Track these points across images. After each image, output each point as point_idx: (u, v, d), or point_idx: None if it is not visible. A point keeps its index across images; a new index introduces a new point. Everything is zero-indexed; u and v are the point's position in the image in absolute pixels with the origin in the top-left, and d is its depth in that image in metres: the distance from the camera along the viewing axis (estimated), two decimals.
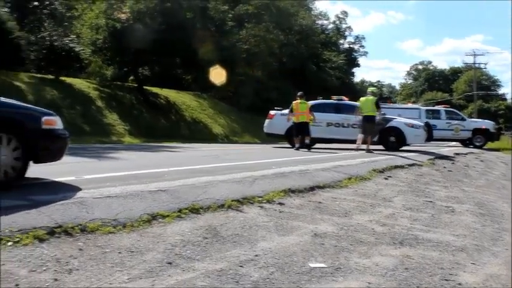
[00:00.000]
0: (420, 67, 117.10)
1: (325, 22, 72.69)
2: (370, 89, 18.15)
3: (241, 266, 4.18)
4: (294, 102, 17.39)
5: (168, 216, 5.32)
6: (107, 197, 5.58)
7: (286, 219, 5.91)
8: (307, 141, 17.21)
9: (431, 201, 8.30)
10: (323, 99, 20.69)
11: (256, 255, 4.48)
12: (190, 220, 5.37)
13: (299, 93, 17.53)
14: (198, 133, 29.98)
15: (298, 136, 17.19)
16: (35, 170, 6.24)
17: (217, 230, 5.11)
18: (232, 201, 6.24)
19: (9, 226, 4.36)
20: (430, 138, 22.59)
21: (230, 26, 32.94)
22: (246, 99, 39.56)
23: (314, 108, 18.19)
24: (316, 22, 66.83)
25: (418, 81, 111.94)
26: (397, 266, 4.62)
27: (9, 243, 4.09)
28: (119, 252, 4.19)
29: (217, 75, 31.68)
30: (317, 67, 54.79)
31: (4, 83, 24.89)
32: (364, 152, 16.06)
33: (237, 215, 5.81)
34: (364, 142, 16.68)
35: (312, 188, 7.92)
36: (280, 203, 6.65)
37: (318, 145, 18.89)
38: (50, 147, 6.20)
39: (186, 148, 16.55)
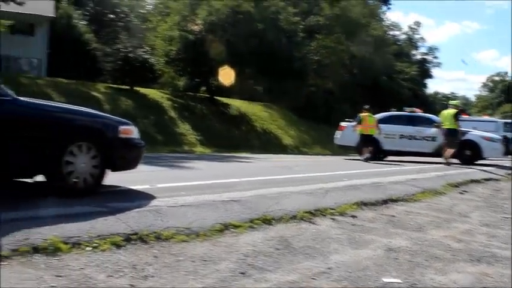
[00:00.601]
0: (497, 78, 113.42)
1: (397, 33, 71.73)
2: (452, 102, 17.67)
3: (313, 279, 4.14)
4: (361, 114, 17.47)
5: (240, 226, 5.35)
6: (181, 206, 5.67)
7: (359, 232, 5.83)
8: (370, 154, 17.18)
9: (509, 218, 7.99)
10: (396, 110, 20.36)
11: (329, 268, 4.43)
12: (262, 231, 5.38)
13: (366, 107, 17.56)
14: (268, 144, 30.05)
15: (366, 147, 17.16)
16: (111, 178, 6.40)
17: (289, 242, 5.09)
18: (305, 212, 6.21)
19: (88, 232, 4.50)
20: (508, 152, 21.76)
21: (301, 37, 32.94)
22: (317, 111, 39.42)
23: (387, 120, 18.08)
24: (388, 33, 65.95)
25: (494, 92, 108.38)
26: (474, 284, 4.46)
27: (88, 249, 4.21)
28: (193, 261, 4.23)
29: (287, 86, 31.78)
30: (389, 78, 54.02)
31: (82, 93, 25.81)
32: (442, 165, 15.66)
33: (309, 226, 5.78)
34: (443, 155, 16.28)
35: (384, 201, 7.79)
36: (353, 216, 6.57)
37: (389, 157, 18.59)
38: (126, 156, 6.37)
39: (257, 159, 16.62)
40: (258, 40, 28.72)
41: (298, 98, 35.69)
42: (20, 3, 25.45)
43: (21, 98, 5.62)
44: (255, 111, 35.48)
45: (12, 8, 25.59)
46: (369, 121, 17.23)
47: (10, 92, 5.47)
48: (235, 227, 5.31)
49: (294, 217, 6.02)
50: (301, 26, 33.86)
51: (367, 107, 17.52)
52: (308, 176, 10.06)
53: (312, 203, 6.74)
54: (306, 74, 32.67)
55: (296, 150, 29.59)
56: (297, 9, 33.80)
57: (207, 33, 28.64)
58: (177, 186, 7.42)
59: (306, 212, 6.24)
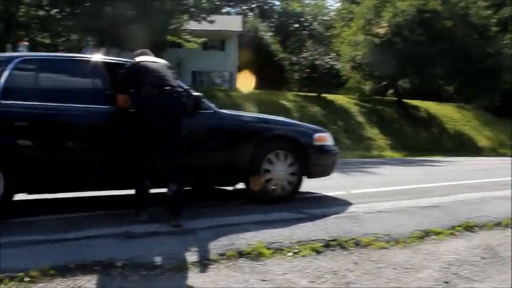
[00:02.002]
0: None
1: None
2: None
3: None
4: None
5: (441, 233, 5.13)
6: (378, 212, 5.61)
7: None
8: None
9: None
10: None
11: None
12: (464, 238, 5.11)
13: None
14: (461, 146, 28.61)
15: None
16: (306, 185, 6.50)
17: (496, 250, 4.77)
18: (511, 219, 5.79)
19: (289, 237, 4.62)
20: None
21: (494, 31, 30.97)
22: None
23: None
24: None
25: None
26: None
27: (289, 254, 4.32)
28: (394, 268, 4.14)
29: (480, 84, 30.09)
30: None
31: (272, 103, 26.68)
32: None
33: None
34: None
35: None
36: None
37: None
38: (321, 163, 6.42)
39: (450, 162, 15.90)
40: (447, 38, 27.56)
41: (493, 97, 33.52)
42: (211, 22, 27.05)
43: (222, 111, 5.95)
44: (446, 112, 34.03)
45: (204, 26, 27.28)
46: None
47: (212, 105, 5.82)
48: (436, 233, 5.10)
49: (498, 224, 5.64)
50: (493, 20, 31.82)
51: None
52: (508, 180, 9.38)
53: None
54: (500, 70, 30.59)
55: (493, 152, 27.79)
56: (487, 2, 31.83)
57: (393, 36, 28.10)
58: (371, 191, 7.35)
59: None
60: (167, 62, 5.28)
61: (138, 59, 5.18)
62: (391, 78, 31.02)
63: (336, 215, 5.40)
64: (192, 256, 4.09)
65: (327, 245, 4.56)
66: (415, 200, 6.36)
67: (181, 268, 3.86)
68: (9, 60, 5.12)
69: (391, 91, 34.49)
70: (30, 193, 5.26)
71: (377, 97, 33.22)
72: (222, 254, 4.17)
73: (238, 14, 44.51)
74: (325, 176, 6.68)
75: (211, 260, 4.07)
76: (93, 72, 5.38)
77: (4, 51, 21.21)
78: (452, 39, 27.82)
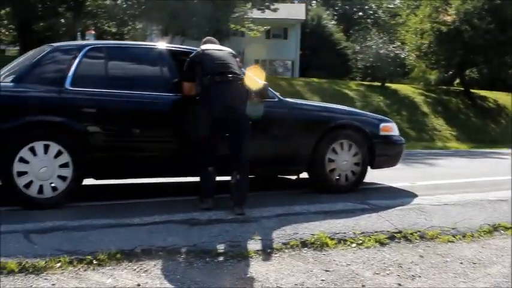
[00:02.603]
0: None
1: None
2: None
3: None
4: None
5: (510, 228, 4.97)
6: (445, 205, 5.49)
7: None
8: None
9: None
10: None
11: None
12: None
13: None
14: None
15: None
16: (370, 175, 6.42)
17: None
18: None
19: (353, 228, 4.57)
20: None
21: None
22: None
23: None
24: None
25: None
26: None
27: (353, 245, 4.27)
28: (461, 263, 4.04)
29: None
30: None
31: (335, 91, 26.49)
32: None
33: None
34: None
35: None
36: None
37: None
38: (387, 153, 6.34)
39: None
40: None
41: None
42: (274, 10, 27.02)
43: (286, 99, 5.93)
44: None
45: (267, 14, 27.28)
46: None
47: (276, 93, 5.81)
48: (506, 228, 4.95)
49: None
50: None
51: None
52: None
53: None
54: None
55: None
56: None
57: (461, 24, 27.32)
58: (437, 183, 7.19)
59: None
60: (232, 50, 5.29)
61: (203, 47, 5.22)
62: (458, 68, 30.26)
63: (401, 207, 5.31)
64: (255, 244, 4.11)
65: (392, 237, 4.49)
66: (483, 193, 6.18)
67: (245, 256, 3.88)
68: (79, 48, 5.25)
69: (457, 81, 33.64)
70: (97, 179, 5.39)
71: (443, 87, 32.50)
72: (285, 243, 4.17)
73: (301, 2, 44.20)
74: (390, 166, 6.58)
75: (275, 248, 4.08)
76: (160, 60, 5.45)
77: (74, 39, 21.89)
78: None
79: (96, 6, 28.42)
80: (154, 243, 3.96)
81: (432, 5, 29.53)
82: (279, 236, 4.31)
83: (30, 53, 5.69)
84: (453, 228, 4.80)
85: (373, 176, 6.61)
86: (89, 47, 5.35)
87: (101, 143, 5.00)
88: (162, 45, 5.86)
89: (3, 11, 26.91)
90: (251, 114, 4.89)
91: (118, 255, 3.69)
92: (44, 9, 24.44)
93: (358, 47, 33.01)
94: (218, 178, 5.10)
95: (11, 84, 4.89)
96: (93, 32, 20.54)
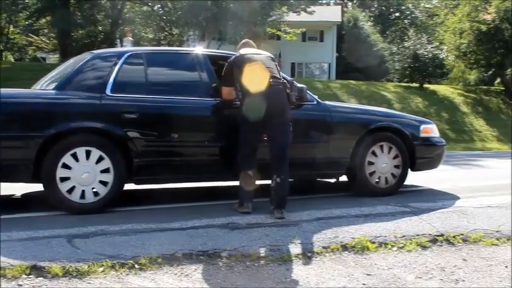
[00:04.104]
0: None
1: None
2: None
3: None
4: None
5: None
6: (487, 207, 5.40)
7: None
8: None
9: None
10: None
11: None
12: None
13: None
14: None
15: None
16: (410, 178, 6.35)
17: None
18: None
19: (394, 232, 4.53)
20: None
21: None
22: None
23: None
24: None
25: None
26: None
27: (394, 249, 4.23)
28: (505, 266, 3.95)
29: None
30: None
31: (372, 93, 26.30)
32: None
33: None
34: None
35: None
36: None
37: None
38: (427, 156, 6.27)
39: None
40: None
41: None
42: (310, 13, 26.99)
43: (325, 102, 5.92)
44: None
45: (303, 17, 27.26)
46: None
47: (315, 96, 5.80)
48: None
49: None
50: None
51: None
52: None
53: None
54: None
55: None
56: None
57: (501, 22, 26.83)
58: (479, 185, 7.09)
59: None
60: (270, 54, 5.30)
61: (242, 51, 5.23)
62: (498, 67, 29.70)
63: (442, 210, 5.25)
64: (295, 248, 4.10)
65: (434, 240, 4.43)
66: None
67: (285, 260, 3.87)
68: (119, 55, 5.32)
69: (498, 80, 33.01)
70: (138, 184, 5.45)
71: (483, 87, 31.96)
72: (325, 247, 4.15)
73: (337, 4, 44.04)
74: (431, 169, 6.51)
75: (315, 252, 4.06)
76: (198, 65, 5.49)
77: (112, 46, 22.21)
78: None
79: (133, 13, 28.85)
80: (194, 247, 3.98)
81: (471, 3, 29.08)
82: (319, 239, 4.29)
83: (71, 60, 5.80)
84: (497, 231, 4.70)
85: (413, 178, 6.53)
86: (129, 53, 5.41)
87: (141, 149, 5.05)
88: (199, 50, 5.91)
89: (43, 20, 27.52)
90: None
91: (159, 260, 3.71)
92: (83, 17, 24.90)
93: (395, 48, 32.71)
94: (258, 182, 5.11)
95: (53, 91, 4.99)
96: (130, 39, 20.82)
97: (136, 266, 3.62)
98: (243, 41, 5.56)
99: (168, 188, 6.13)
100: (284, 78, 5.14)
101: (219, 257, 3.87)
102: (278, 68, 5.14)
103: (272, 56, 5.26)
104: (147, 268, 3.61)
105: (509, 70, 30.49)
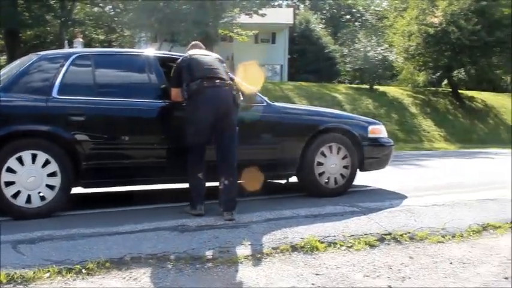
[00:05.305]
0: None
1: None
2: None
3: None
4: None
5: (499, 227, 5.00)
6: (433, 206, 5.52)
7: None
8: None
9: None
10: None
11: None
12: None
13: None
14: None
15: None
16: (358, 178, 6.44)
17: None
18: None
19: (342, 231, 4.58)
20: None
21: None
22: None
23: None
24: None
25: None
26: None
27: (343, 248, 4.28)
28: (450, 263, 4.04)
29: None
30: None
31: (323, 95, 26.53)
32: None
33: None
34: None
35: None
36: None
37: None
38: (376, 156, 6.36)
39: (508, 154, 15.44)
40: (505, 27, 26.75)
41: None
42: (262, 15, 27.05)
43: (274, 103, 5.95)
44: (503, 103, 33.05)
45: (255, 19, 27.30)
46: None
47: (264, 98, 5.82)
48: (495, 227, 4.97)
49: None
50: None
51: None
52: None
53: None
54: None
55: None
56: None
57: (448, 25, 27.44)
58: (426, 185, 7.24)
59: None
60: (218, 55, 5.30)
61: (190, 52, 5.22)
62: (445, 69, 30.37)
63: (390, 209, 5.35)
64: (245, 249, 4.10)
65: (382, 239, 4.50)
66: (472, 194, 6.23)
67: (235, 261, 3.87)
68: (66, 56, 5.23)
69: (445, 82, 33.76)
70: (86, 187, 5.37)
71: (431, 88, 32.59)
72: (275, 248, 4.17)
73: (289, 6, 44.30)
74: (379, 169, 6.61)
75: (265, 253, 4.07)
76: (147, 67, 5.45)
77: (61, 47, 21.79)
78: (510, 28, 26.99)
79: (84, 14, 28.37)
80: (143, 250, 3.94)
81: (419, 7, 29.65)
82: (268, 240, 4.30)
83: (17, 62, 5.67)
84: (442, 229, 4.81)
85: (362, 178, 6.62)
86: (76, 55, 5.33)
87: (89, 152, 4.98)
88: (149, 51, 5.86)
89: None
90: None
91: (107, 264, 3.67)
92: (31, 18, 24.33)
93: (346, 50, 33.09)
94: (208, 184, 5.10)
95: None
96: (81, 40, 20.45)
97: (84, 271, 3.56)
98: (192, 42, 5.55)
99: (118, 191, 6.05)
100: (232, 79, 5.15)
101: (168, 260, 3.85)
102: (226, 69, 5.14)
103: (220, 58, 5.26)
104: (95, 273, 3.56)
105: (456, 72, 31.23)
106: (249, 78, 5.15)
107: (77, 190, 5.30)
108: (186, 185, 5.15)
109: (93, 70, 5.21)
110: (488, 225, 5.03)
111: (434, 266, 3.98)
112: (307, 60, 37.10)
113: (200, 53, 5.20)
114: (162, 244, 4.10)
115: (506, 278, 3.77)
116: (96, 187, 5.62)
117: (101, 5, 28.27)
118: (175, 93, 5.14)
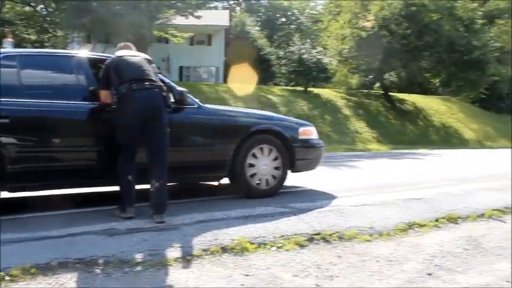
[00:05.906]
0: None
1: None
2: None
3: (508, 281, 3.87)
4: None
5: (425, 225, 5.16)
6: (363, 205, 5.64)
7: None
8: None
9: None
10: None
11: None
12: (448, 230, 5.14)
13: None
14: (448, 139, 28.77)
15: None
16: (290, 179, 6.52)
17: (479, 241, 4.80)
18: (493, 210, 5.84)
19: (273, 232, 4.62)
20: None
21: (480, 24, 31.07)
22: (501, 101, 37.03)
23: None
24: None
25: None
26: None
27: (273, 248, 4.32)
28: (377, 261, 4.15)
29: (466, 77, 30.27)
30: None
31: (259, 97, 26.66)
32: None
33: (500, 225, 5.42)
34: None
35: None
36: None
37: None
38: (306, 157, 6.45)
39: (436, 155, 16.00)
40: (433, 32, 27.67)
41: (479, 89, 33.67)
42: (198, 17, 26.96)
43: (206, 105, 5.95)
44: (432, 105, 34.15)
45: (191, 21, 27.18)
46: None
47: (196, 100, 5.81)
48: (420, 226, 5.13)
49: (481, 215, 5.68)
50: (479, 12, 31.95)
51: None
52: (494, 172, 9.45)
53: (500, 200, 6.33)
54: (486, 63, 30.69)
55: (478, 144, 27.94)
56: None
57: (379, 29, 28.13)
58: (356, 185, 7.39)
59: (495, 210, 5.86)
60: (148, 56, 5.26)
61: (118, 53, 5.16)
62: (377, 72, 31.05)
63: (320, 209, 5.43)
64: (175, 252, 4.09)
65: (311, 238, 4.56)
66: (400, 193, 6.41)
67: (165, 264, 3.85)
68: None
69: (377, 84, 34.52)
70: (12, 191, 5.21)
71: (364, 90, 33.26)
72: (205, 250, 4.16)
73: (225, 8, 44.38)
74: (310, 170, 6.70)
75: (195, 255, 4.06)
76: (76, 68, 5.35)
77: None
78: (438, 32, 27.93)
79: (14, 13, 27.53)
80: (71, 255, 3.86)
81: (352, 11, 30.24)
82: (199, 242, 4.30)
83: None
84: (370, 228, 4.93)
85: (294, 179, 6.70)
86: (1, 55, 5.18)
87: (14, 155, 4.84)
88: (78, 53, 5.76)
89: None
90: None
91: (33, 270, 3.58)
92: None
93: (282, 53, 33.38)
94: (138, 187, 5.06)
95: None
96: (11, 40, 19.82)
97: (7, 277, 3.47)
98: (122, 43, 5.49)
99: (46, 195, 5.91)
100: (162, 81, 5.12)
101: (96, 264, 3.79)
102: (155, 70, 5.11)
103: (149, 58, 5.22)
104: (20, 279, 3.47)
105: (387, 75, 31.99)
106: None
107: (2, 194, 5.14)
108: (116, 188, 5.09)
109: (19, 71, 5.07)
110: (414, 224, 5.17)
111: (362, 264, 4.06)
112: (243, 62, 37.27)
113: (129, 54, 5.15)
114: (90, 248, 4.03)
115: (429, 274, 3.90)
116: (23, 191, 5.45)
117: (32, 4, 27.53)
118: (104, 95, 5.06)
